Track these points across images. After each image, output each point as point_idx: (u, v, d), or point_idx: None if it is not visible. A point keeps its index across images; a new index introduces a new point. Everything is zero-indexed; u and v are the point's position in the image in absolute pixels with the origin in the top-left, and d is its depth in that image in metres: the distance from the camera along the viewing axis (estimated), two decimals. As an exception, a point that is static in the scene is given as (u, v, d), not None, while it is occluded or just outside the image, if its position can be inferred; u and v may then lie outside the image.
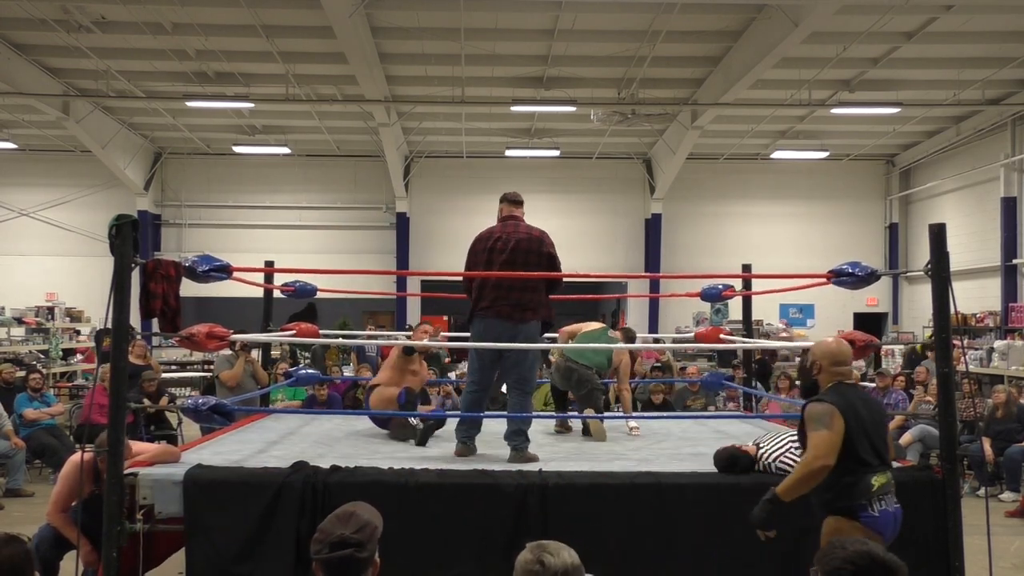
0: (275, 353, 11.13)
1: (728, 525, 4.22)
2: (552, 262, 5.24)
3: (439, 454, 5.22)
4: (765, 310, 17.31)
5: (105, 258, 4.68)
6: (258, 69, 14.26)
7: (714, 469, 4.53)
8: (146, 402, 8.15)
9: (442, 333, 9.38)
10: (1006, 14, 11.89)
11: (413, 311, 19.88)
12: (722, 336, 7.49)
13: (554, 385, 6.51)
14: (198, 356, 16.68)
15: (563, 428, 6.42)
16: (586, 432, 6.16)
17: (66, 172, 19.66)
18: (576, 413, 6.31)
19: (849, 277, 4.83)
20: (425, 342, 6.47)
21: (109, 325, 4.24)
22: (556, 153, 19.02)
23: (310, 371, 8.61)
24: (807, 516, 3.73)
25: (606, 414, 6.25)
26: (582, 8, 11.72)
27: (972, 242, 16.91)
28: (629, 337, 7.01)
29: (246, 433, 5.99)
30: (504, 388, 5.89)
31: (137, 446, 4.67)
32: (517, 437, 5.06)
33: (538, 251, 5.20)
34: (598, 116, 15.24)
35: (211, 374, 10.26)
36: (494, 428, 5.49)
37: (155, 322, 4.68)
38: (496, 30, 12.76)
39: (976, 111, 16.06)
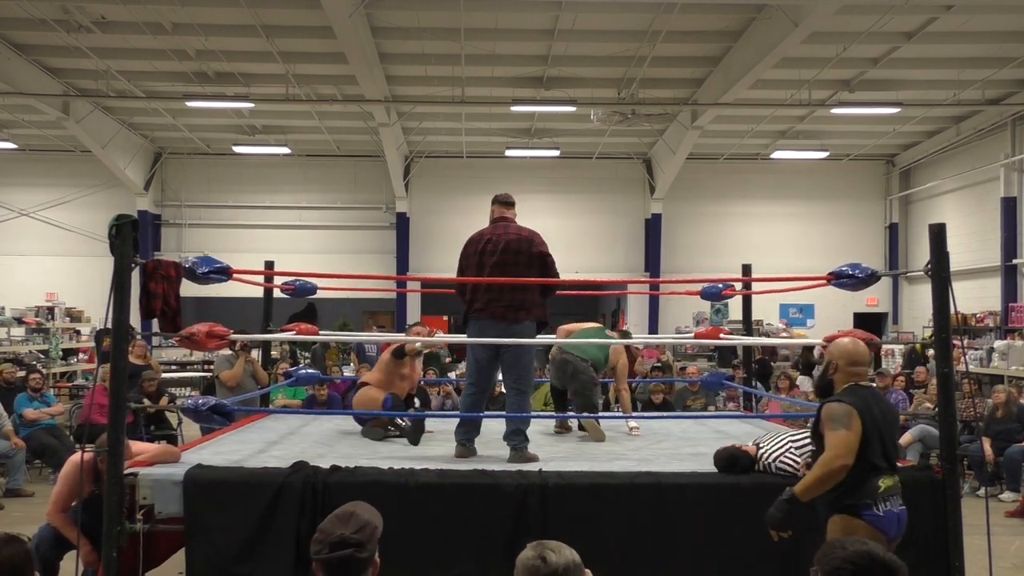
0: (275, 353, 11.12)
1: (728, 525, 4.22)
2: (544, 261, 5.22)
3: (439, 454, 5.21)
4: (765, 310, 17.32)
5: (105, 258, 4.68)
6: (258, 69, 14.25)
7: (714, 469, 4.53)
8: (146, 402, 8.16)
9: (440, 334, 9.38)
10: (1006, 14, 11.88)
11: (413, 311, 19.87)
12: (722, 336, 7.50)
13: (554, 386, 6.52)
14: (198, 356, 16.68)
15: (562, 428, 6.42)
16: (582, 428, 6.17)
17: (66, 172, 19.65)
18: (574, 413, 6.32)
19: (849, 279, 4.82)
20: (416, 346, 6.46)
21: (109, 325, 4.24)
22: (556, 153, 19.01)
23: (310, 371, 8.60)
24: (807, 516, 3.72)
25: (605, 414, 6.25)
26: (582, 8, 11.72)
27: (972, 242, 16.90)
28: (626, 338, 7.02)
29: (246, 433, 5.99)
30: (503, 388, 5.89)
31: (137, 446, 4.67)
32: (516, 437, 5.07)
33: (528, 251, 5.17)
34: (598, 116, 15.22)
35: (211, 374, 10.26)
36: (494, 428, 5.49)
37: (155, 322, 4.68)
38: (496, 30, 12.75)
39: (976, 111, 16.06)
